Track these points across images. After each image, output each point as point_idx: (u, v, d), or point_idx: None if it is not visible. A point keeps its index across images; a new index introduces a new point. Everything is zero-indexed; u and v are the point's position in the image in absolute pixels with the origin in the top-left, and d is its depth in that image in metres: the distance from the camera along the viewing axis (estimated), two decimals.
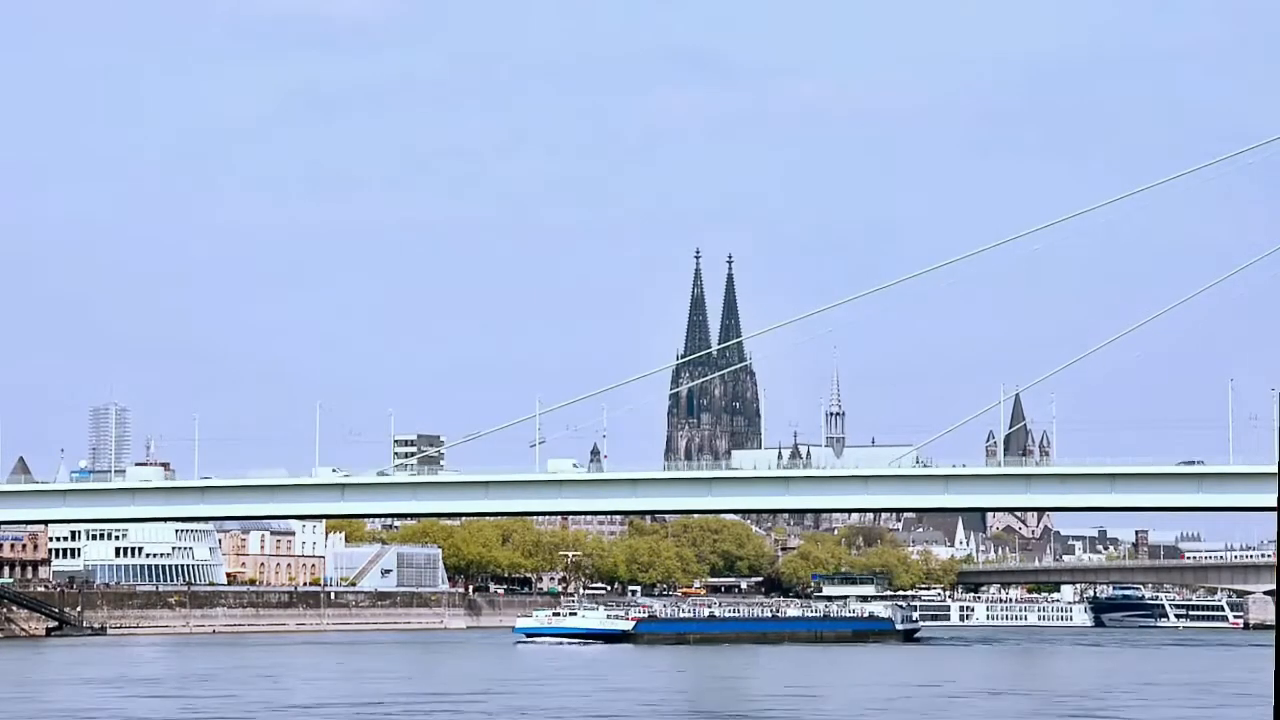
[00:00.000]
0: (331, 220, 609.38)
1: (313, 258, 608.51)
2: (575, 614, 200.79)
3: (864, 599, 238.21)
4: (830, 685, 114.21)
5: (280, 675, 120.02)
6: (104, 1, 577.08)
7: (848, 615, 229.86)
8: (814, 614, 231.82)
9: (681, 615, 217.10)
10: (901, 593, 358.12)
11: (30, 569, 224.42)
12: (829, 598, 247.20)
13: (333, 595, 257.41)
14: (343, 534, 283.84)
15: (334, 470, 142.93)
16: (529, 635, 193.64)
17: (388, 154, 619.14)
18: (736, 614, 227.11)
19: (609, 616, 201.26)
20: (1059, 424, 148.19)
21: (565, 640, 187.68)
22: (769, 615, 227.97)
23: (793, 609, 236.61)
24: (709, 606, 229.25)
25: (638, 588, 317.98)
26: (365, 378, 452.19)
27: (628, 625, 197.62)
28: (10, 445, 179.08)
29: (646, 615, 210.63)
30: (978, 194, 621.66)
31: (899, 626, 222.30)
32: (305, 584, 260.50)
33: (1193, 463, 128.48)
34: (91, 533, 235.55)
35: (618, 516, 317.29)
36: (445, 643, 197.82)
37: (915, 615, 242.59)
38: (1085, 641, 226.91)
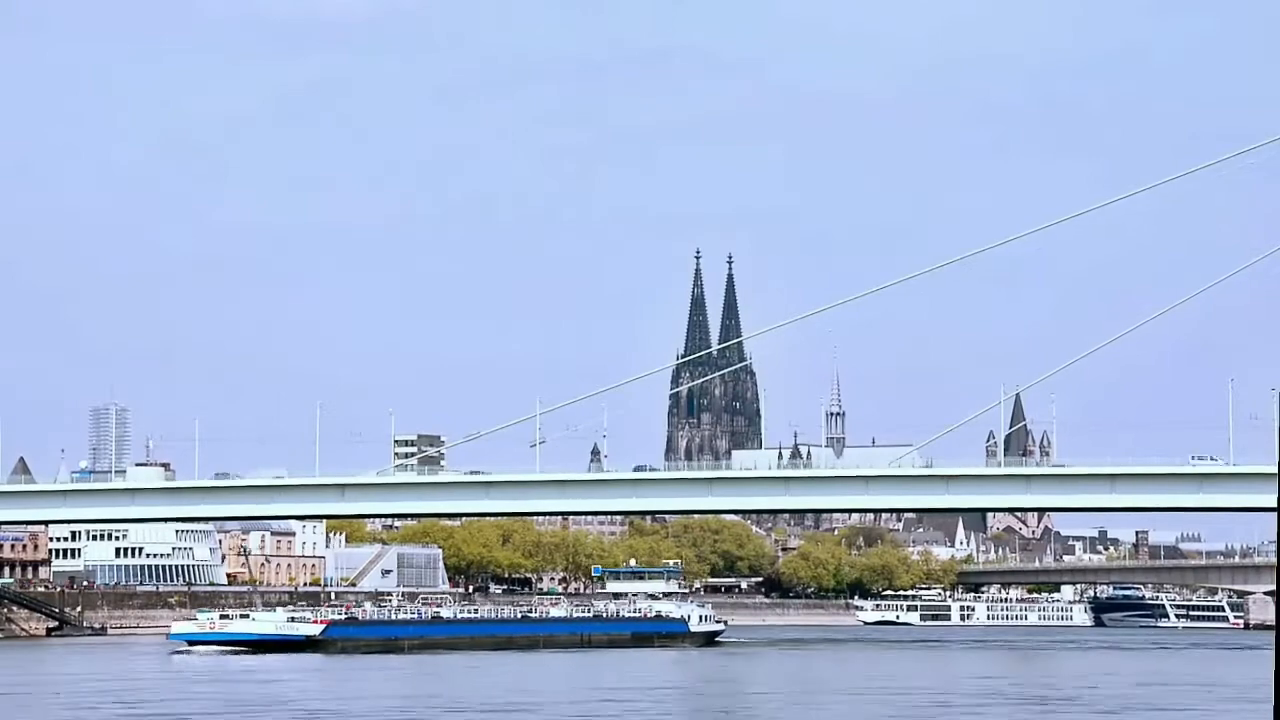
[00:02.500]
0: (331, 220, 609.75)
1: (313, 258, 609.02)
2: (247, 616, 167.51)
3: (653, 596, 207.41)
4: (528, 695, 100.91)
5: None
6: (97, 2, 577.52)
7: (628, 615, 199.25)
8: (584, 614, 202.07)
9: (394, 616, 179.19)
10: (902, 593, 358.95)
11: (30, 569, 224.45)
12: (614, 595, 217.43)
13: (333, 595, 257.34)
14: (343, 534, 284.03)
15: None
16: (189, 642, 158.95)
17: (387, 154, 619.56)
18: (475, 614, 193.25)
19: (291, 619, 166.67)
20: (1059, 424, 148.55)
21: (232, 649, 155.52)
22: (519, 616, 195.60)
23: (559, 609, 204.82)
24: (439, 605, 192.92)
25: None
26: (365, 378, 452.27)
27: (314, 630, 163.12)
28: (10, 445, 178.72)
29: (344, 617, 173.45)
30: (978, 194, 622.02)
31: (695, 628, 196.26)
32: (305, 584, 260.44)
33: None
34: (91, 533, 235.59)
35: (618, 516, 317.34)
36: (40, 648, 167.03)
37: (717, 616, 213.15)
38: (1085, 641, 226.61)
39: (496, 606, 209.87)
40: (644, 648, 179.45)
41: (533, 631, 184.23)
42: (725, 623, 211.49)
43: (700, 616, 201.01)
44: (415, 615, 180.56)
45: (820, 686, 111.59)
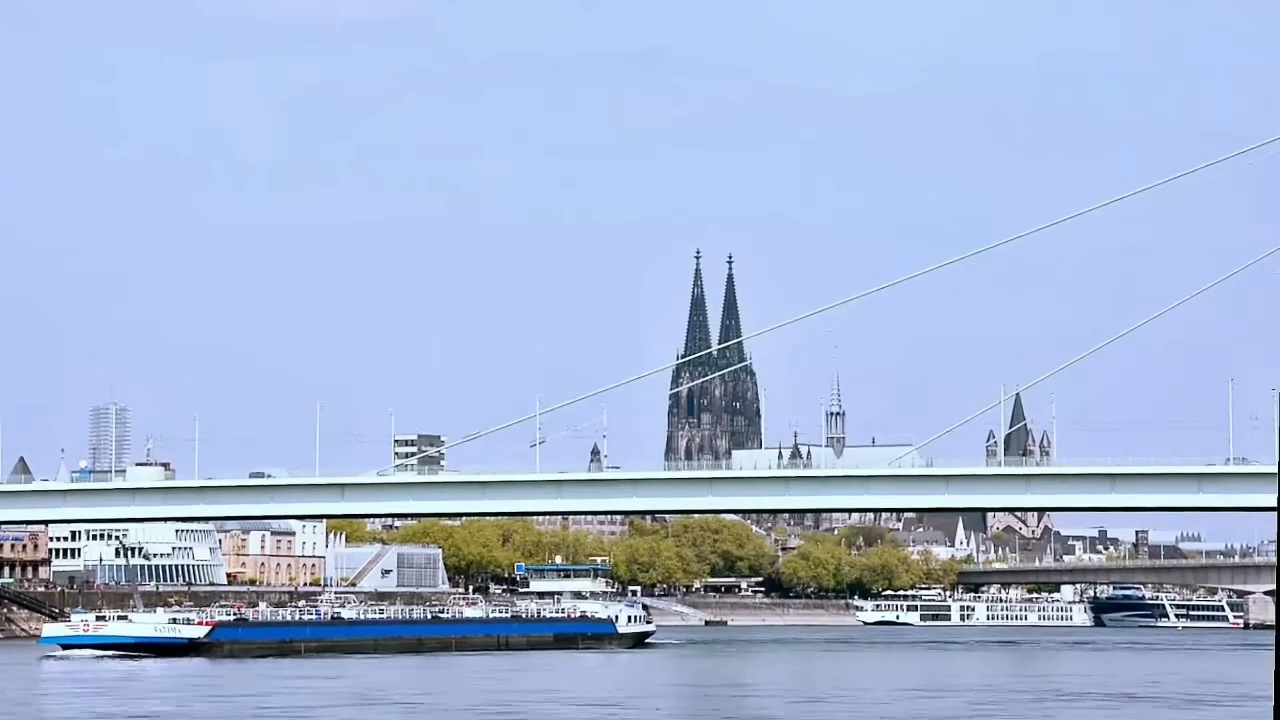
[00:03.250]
0: (331, 220, 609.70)
1: (313, 258, 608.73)
2: (125, 618, 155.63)
3: (579, 596, 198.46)
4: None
5: None
6: (98, 2, 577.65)
7: (551, 616, 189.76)
8: (502, 615, 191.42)
9: (286, 618, 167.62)
10: (902, 593, 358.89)
11: (30, 569, 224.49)
12: (539, 594, 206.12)
13: (333, 595, 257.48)
14: (343, 534, 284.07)
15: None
16: (63, 646, 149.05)
17: (387, 154, 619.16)
18: (381, 615, 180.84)
19: (172, 621, 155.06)
20: (1059, 424, 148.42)
21: (107, 653, 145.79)
22: (429, 617, 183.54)
23: (475, 609, 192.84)
24: (341, 605, 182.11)
25: (638, 588, 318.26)
26: (365, 378, 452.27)
27: (198, 632, 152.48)
28: (10, 445, 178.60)
29: (233, 618, 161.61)
30: (978, 194, 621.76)
31: (622, 629, 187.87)
32: (305, 584, 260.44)
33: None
34: (91, 533, 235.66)
35: (618, 516, 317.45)
36: None
37: (647, 616, 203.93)
38: (1084, 640, 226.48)
39: (406, 607, 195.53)
40: (566, 650, 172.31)
41: (444, 633, 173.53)
42: (653, 622, 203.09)
43: (629, 617, 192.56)
44: (314, 616, 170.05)
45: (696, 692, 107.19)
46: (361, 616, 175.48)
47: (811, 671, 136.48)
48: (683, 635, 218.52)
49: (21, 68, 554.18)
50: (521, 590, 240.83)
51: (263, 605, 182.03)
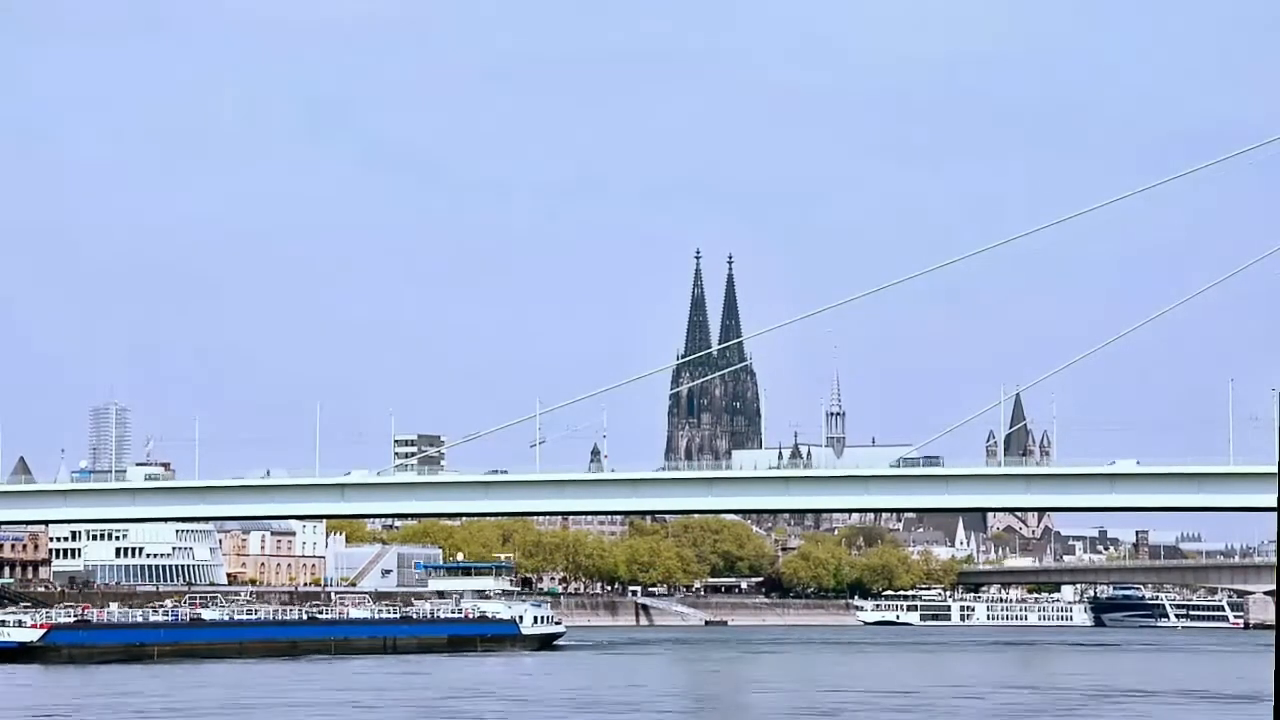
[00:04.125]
0: (330, 220, 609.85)
1: (312, 258, 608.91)
2: None
3: (482, 595, 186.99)
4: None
5: None
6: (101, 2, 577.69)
7: (446, 617, 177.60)
8: (390, 615, 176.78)
9: (137, 619, 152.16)
10: (902, 593, 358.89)
11: (31, 569, 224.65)
12: (440, 593, 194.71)
13: (333, 596, 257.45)
14: (343, 534, 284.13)
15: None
16: None
17: (386, 153, 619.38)
18: (250, 615, 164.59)
19: (1, 624, 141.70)
20: (1059, 424, 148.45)
21: None
22: (305, 618, 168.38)
23: (360, 609, 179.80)
24: (205, 605, 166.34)
25: (638, 588, 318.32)
26: (365, 378, 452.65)
27: (31, 635, 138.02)
28: (10, 445, 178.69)
29: (74, 619, 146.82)
30: (978, 194, 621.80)
31: (527, 630, 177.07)
32: (306, 584, 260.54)
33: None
34: (92, 533, 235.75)
35: (618, 516, 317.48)
36: None
37: (556, 617, 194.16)
38: (1084, 640, 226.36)
39: (282, 607, 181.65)
40: (463, 652, 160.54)
41: (322, 635, 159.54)
42: (562, 623, 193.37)
43: (535, 617, 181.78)
44: (170, 617, 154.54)
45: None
46: (227, 617, 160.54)
47: (729, 676, 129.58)
48: (601, 636, 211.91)
49: (22, 66, 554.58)
50: (419, 590, 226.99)
51: (113, 606, 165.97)
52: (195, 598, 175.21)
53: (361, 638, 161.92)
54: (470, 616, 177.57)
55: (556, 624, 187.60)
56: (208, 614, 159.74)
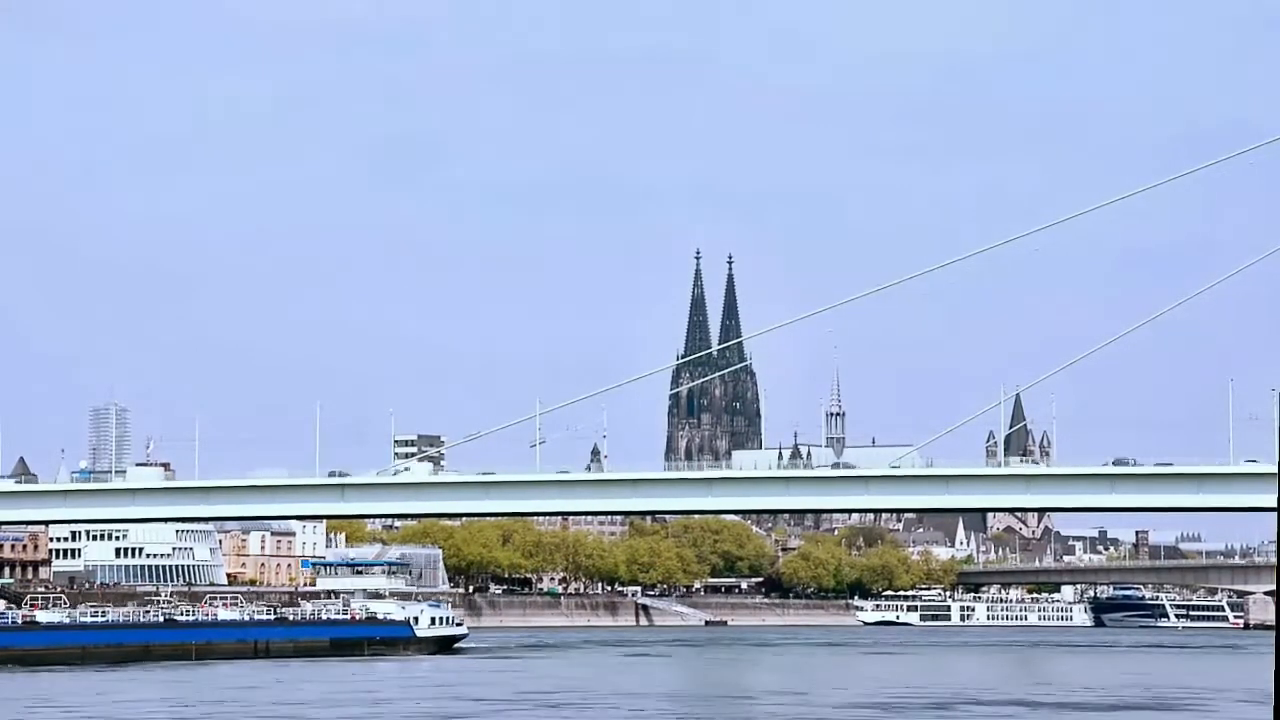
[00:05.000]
0: (330, 220, 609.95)
1: (313, 257, 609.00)
2: None
3: (376, 595, 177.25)
4: None
5: None
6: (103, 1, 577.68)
7: (330, 618, 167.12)
8: (265, 617, 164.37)
9: None
10: (902, 593, 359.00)
11: (31, 569, 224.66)
12: (331, 592, 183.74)
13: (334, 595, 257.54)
14: (343, 534, 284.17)
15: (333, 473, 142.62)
16: None
17: (385, 153, 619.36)
18: (98, 619, 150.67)
19: None
20: (1059, 424, 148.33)
21: None
22: (163, 620, 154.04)
23: (231, 611, 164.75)
24: (46, 607, 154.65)
25: (638, 588, 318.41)
26: (365, 378, 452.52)
27: None
28: (10, 445, 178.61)
29: None
30: (978, 193, 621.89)
31: (422, 632, 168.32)
32: (306, 584, 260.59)
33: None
34: (92, 533, 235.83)
35: (618, 516, 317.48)
36: None
37: (457, 618, 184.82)
38: (1083, 641, 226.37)
39: (138, 609, 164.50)
40: (347, 656, 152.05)
41: (181, 639, 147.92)
42: (464, 624, 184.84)
43: (433, 618, 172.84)
44: (3, 620, 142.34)
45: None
46: (67, 619, 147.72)
47: (626, 679, 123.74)
48: (504, 639, 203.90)
49: (22, 65, 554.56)
50: (307, 589, 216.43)
51: None
52: (37, 598, 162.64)
53: (227, 641, 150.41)
54: (357, 617, 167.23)
55: (458, 625, 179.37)
56: (44, 616, 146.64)
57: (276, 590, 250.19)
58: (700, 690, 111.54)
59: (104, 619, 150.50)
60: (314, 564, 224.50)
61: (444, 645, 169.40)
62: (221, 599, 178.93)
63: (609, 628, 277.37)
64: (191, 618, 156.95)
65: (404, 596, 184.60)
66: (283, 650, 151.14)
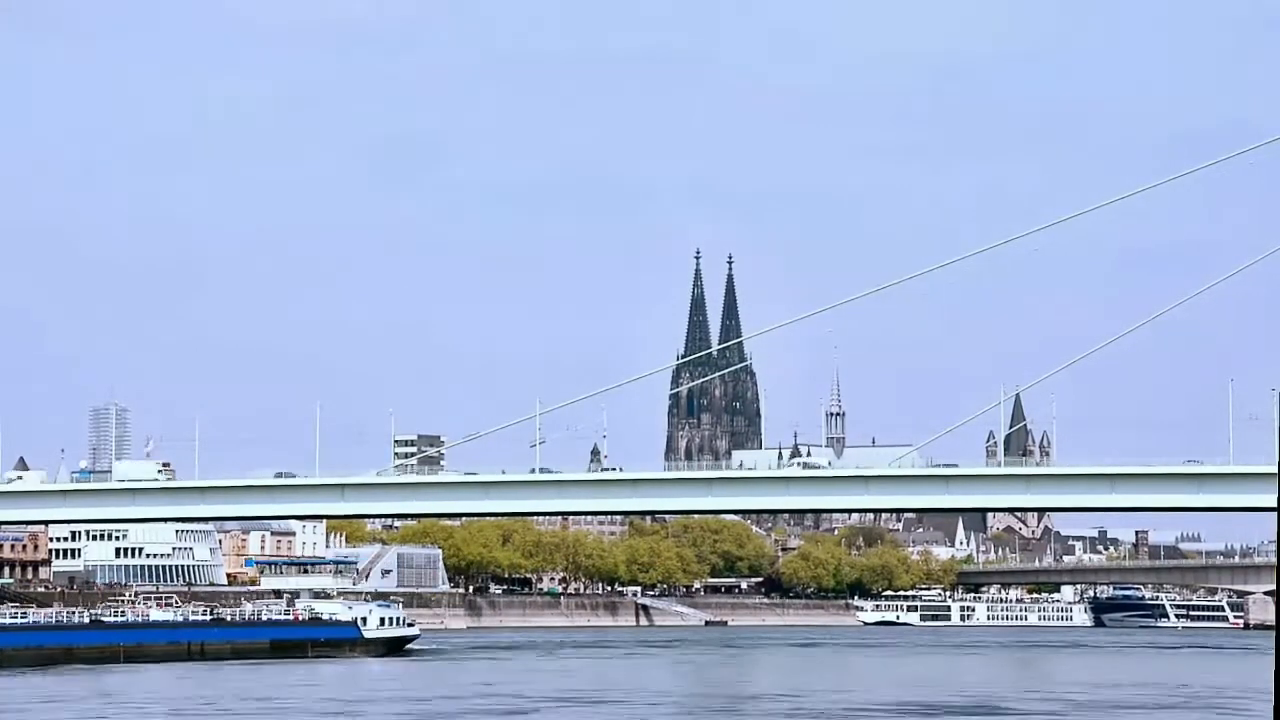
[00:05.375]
0: (330, 220, 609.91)
1: (313, 257, 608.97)
2: None
3: (323, 595, 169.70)
4: None
5: None
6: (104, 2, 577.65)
7: (272, 619, 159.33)
8: (201, 618, 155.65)
9: None
10: (902, 593, 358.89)
11: (30, 569, 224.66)
12: (277, 592, 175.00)
13: (333, 595, 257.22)
14: (343, 534, 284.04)
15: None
16: None
17: (386, 153, 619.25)
18: (22, 620, 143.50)
19: None
20: (1059, 424, 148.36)
21: None
22: (88, 622, 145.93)
23: (163, 611, 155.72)
24: None
25: (638, 588, 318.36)
26: (365, 378, 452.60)
27: None
28: (10, 445, 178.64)
29: None
30: (978, 193, 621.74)
31: (370, 633, 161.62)
32: (248, 583, 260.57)
33: (1195, 461, 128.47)
34: (91, 533, 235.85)
35: (618, 516, 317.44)
36: None
37: (408, 619, 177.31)
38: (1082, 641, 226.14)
39: (64, 610, 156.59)
40: (289, 658, 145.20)
41: (108, 641, 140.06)
42: (415, 625, 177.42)
43: (382, 619, 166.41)
44: None
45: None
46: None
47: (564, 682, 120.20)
48: (458, 640, 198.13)
49: (23, 65, 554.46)
50: (251, 589, 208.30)
51: None
52: None
53: (158, 643, 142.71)
54: (300, 618, 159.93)
55: (409, 626, 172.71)
56: None
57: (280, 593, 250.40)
58: (658, 693, 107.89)
59: (23, 620, 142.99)
60: (258, 563, 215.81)
61: (394, 647, 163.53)
62: (156, 599, 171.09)
63: (609, 628, 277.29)
64: (120, 619, 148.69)
65: (353, 596, 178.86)
66: (219, 653, 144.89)
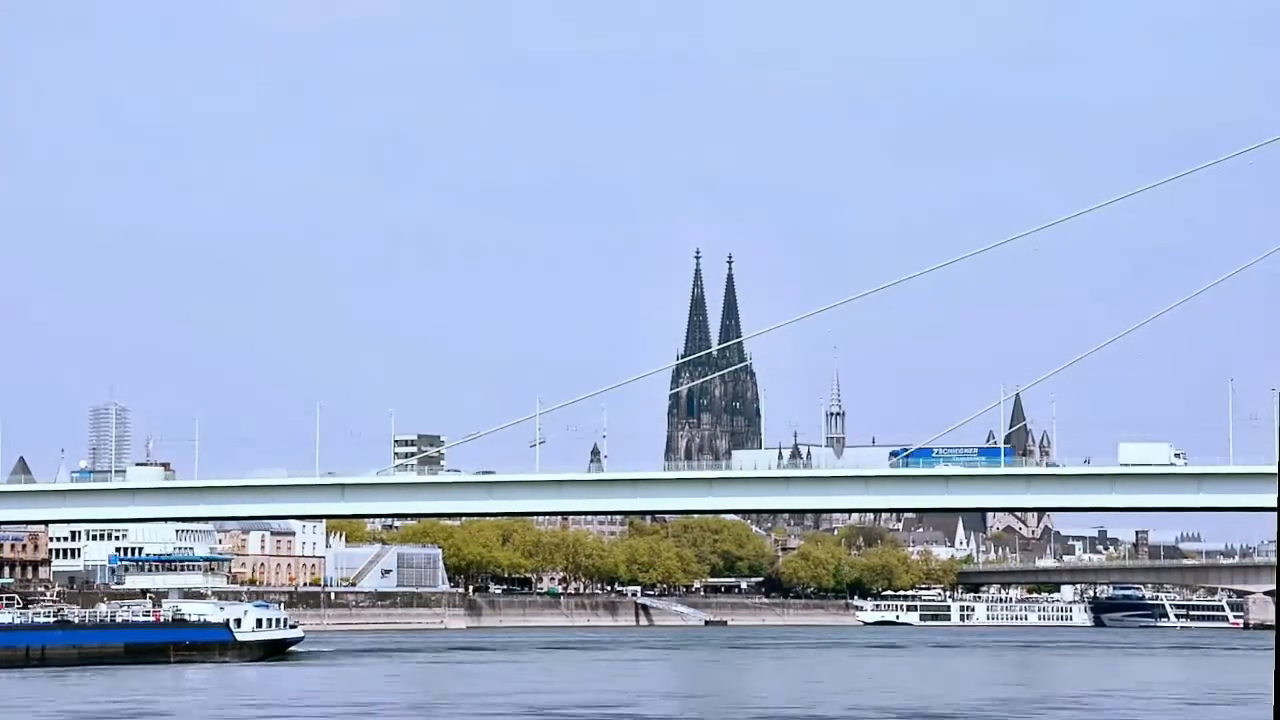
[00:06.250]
0: (330, 220, 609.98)
1: (312, 258, 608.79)
2: None
3: (195, 595, 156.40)
4: None
5: None
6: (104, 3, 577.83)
7: (129, 621, 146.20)
8: (43, 620, 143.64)
9: None
10: (902, 593, 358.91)
11: (30, 569, 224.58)
12: (144, 592, 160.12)
13: (333, 595, 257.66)
14: (343, 534, 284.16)
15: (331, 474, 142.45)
16: None
17: (386, 153, 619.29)
18: None
19: None
20: (1059, 424, 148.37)
21: None
22: None
23: (1, 613, 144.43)
24: None
25: (638, 588, 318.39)
26: (365, 378, 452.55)
27: None
28: (10, 445, 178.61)
29: None
30: (978, 193, 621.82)
31: (244, 636, 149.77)
32: (306, 584, 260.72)
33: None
34: (91, 533, 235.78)
35: (618, 516, 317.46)
36: None
37: (290, 621, 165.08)
38: (1083, 642, 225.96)
39: None
40: (149, 663, 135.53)
41: None
42: (297, 627, 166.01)
43: (259, 620, 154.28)
44: None
45: None
46: None
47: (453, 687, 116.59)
48: (358, 643, 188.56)
49: (23, 65, 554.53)
50: (114, 587, 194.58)
51: None
52: None
53: None
54: (161, 620, 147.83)
55: (291, 628, 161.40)
56: None
57: (277, 590, 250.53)
58: (541, 700, 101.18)
59: None
60: (122, 560, 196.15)
61: (272, 650, 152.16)
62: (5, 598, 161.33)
63: (608, 628, 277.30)
64: None
65: (228, 596, 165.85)
66: (65, 657, 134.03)
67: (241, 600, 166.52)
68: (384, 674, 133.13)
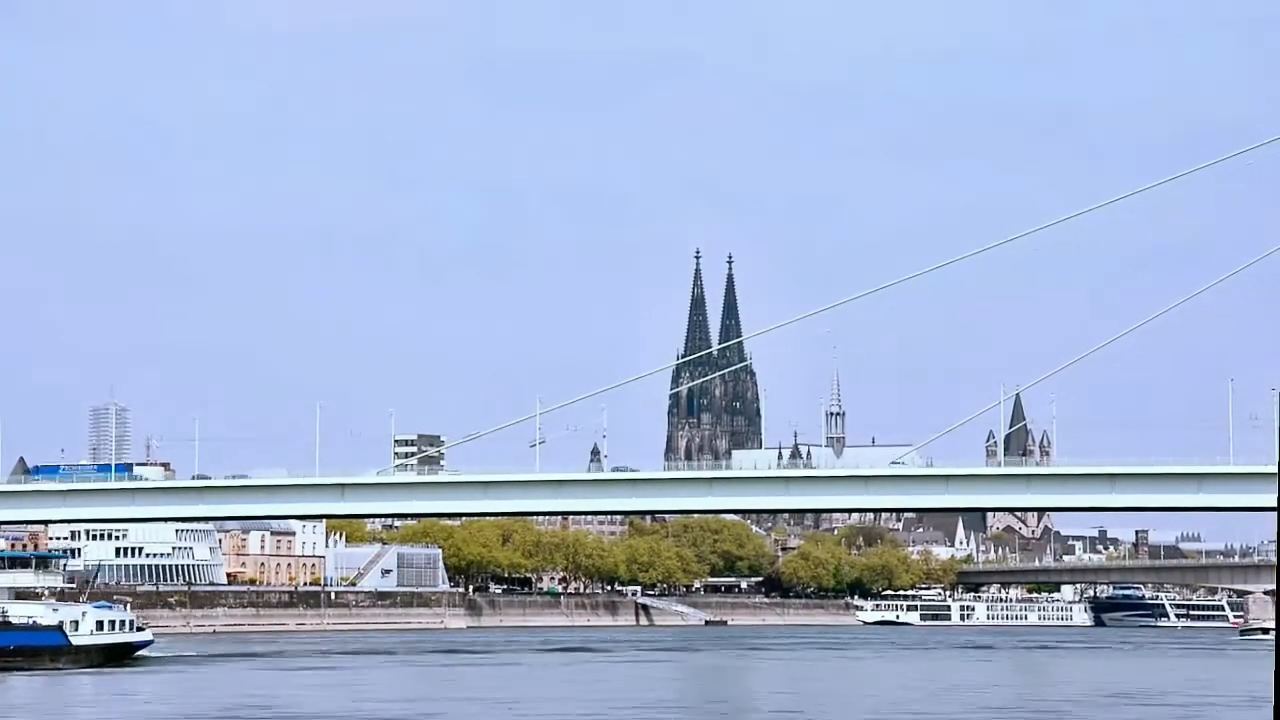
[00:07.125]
0: (331, 220, 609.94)
1: (313, 258, 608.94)
2: None
3: (29, 594, 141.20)
4: None
5: None
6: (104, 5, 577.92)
7: None
8: None
9: None
10: (902, 593, 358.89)
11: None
12: None
13: (333, 595, 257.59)
14: (343, 534, 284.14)
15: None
16: None
17: (386, 153, 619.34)
18: None
19: None
20: (1059, 424, 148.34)
21: None
22: None
23: None
24: None
25: (638, 588, 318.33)
26: (365, 378, 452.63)
27: None
28: (10, 445, 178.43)
29: None
30: (979, 193, 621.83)
31: (81, 640, 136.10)
32: (306, 584, 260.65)
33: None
34: (91, 533, 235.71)
35: (618, 516, 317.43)
36: None
37: (137, 622, 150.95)
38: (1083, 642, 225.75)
39: None
40: None
41: None
42: (146, 629, 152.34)
43: (99, 622, 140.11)
44: None
45: None
46: None
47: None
48: (223, 648, 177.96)
49: (23, 65, 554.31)
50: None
51: None
52: None
53: None
54: None
55: (139, 631, 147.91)
56: None
57: (277, 590, 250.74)
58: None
59: None
60: None
61: (114, 655, 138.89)
62: None
63: (608, 627, 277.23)
64: None
65: (66, 597, 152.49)
66: None
67: (81, 601, 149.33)
68: (230, 679, 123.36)
